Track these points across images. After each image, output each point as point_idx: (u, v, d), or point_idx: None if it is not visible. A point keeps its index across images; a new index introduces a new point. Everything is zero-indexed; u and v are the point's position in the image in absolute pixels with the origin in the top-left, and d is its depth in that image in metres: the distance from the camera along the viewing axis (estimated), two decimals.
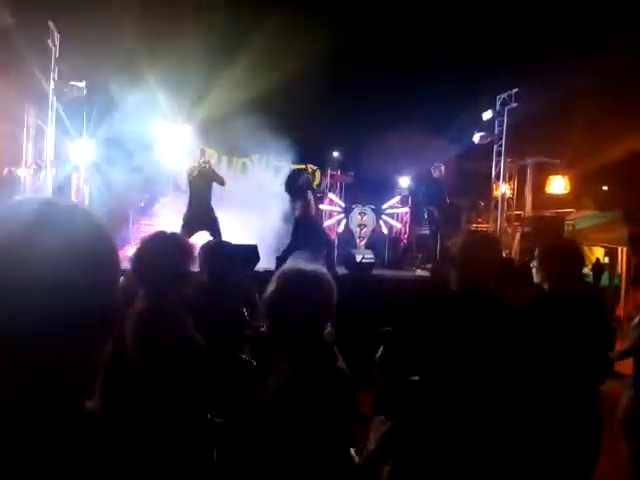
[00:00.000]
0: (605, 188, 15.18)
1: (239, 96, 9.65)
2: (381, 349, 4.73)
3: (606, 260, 11.75)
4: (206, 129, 9.89)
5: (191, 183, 7.32)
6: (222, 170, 10.96)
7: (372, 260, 8.83)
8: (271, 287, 1.52)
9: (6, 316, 0.62)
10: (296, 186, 7.74)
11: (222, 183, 7.39)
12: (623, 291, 9.82)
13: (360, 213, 10.02)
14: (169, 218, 8.36)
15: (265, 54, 9.62)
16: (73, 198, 9.02)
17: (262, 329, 1.87)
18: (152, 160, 9.31)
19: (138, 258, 2.05)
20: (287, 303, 1.48)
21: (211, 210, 7.27)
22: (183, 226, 7.03)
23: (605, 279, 11.19)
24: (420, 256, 9.57)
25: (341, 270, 8.08)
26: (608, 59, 10.26)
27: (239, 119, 9.50)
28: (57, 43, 7.12)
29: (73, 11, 7.54)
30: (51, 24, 6.97)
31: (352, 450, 3.28)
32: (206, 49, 9.54)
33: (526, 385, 2.08)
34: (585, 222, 10.84)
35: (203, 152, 7.45)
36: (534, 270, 2.66)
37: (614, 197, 13.10)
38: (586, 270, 11.16)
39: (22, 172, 7.55)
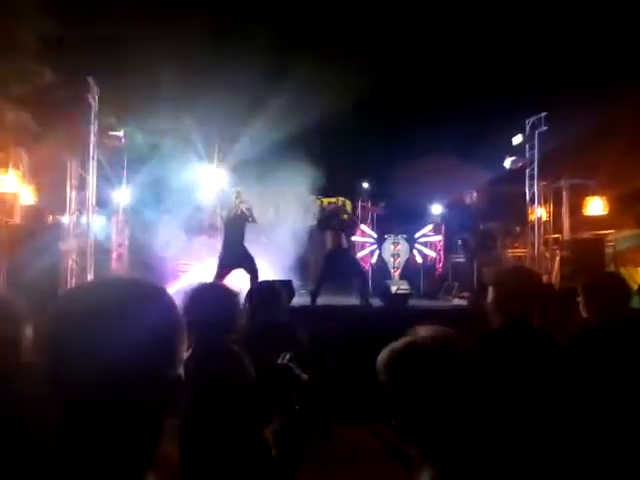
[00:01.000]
0: None
1: (272, 135, 9.90)
2: None
3: None
4: (239, 169, 10.17)
5: (226, 224, 7.53)
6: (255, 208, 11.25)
7: (408, 291, 8.76)
8: None
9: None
10: (325, 218, 7.89)
11: (255, 221, 7.60)
12: None
13: (393, 243, 10.01)
14: (205, 258, 8.57)
15: (296, 91, 9.86)
16: (114, 238, 9.39)
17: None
18: (188, 201, 9.60)
19: (195, 310, 2.13)
20: None
21: (245, 249, 7.41)
22: (219, 266, 7.20)
23: None
24: (456, 285, 9.44)
25: (376, 302, 8.05)
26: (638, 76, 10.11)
27: (271, 158, 9.73)
28: (96, 97, 7.52)
29: (110, 65, 7.99)
30: (90, 80, 7.38)
31: None
32: (239, 90, 9.87)
33: (568, 426, 2.01)
34: (626, 242, 10.47)
35: (239, 194, 7.65)
36: (580, 306, 2.63)
37: None
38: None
39: (66, 219, 7.91)
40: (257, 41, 9.55)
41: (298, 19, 10.29)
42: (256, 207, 10.92)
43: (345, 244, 7.74)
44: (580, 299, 2.64)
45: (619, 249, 10.10)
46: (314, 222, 8.21)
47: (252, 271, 7.17)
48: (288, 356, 1.98)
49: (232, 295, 2.32)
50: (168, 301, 0.78)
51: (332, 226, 7.60)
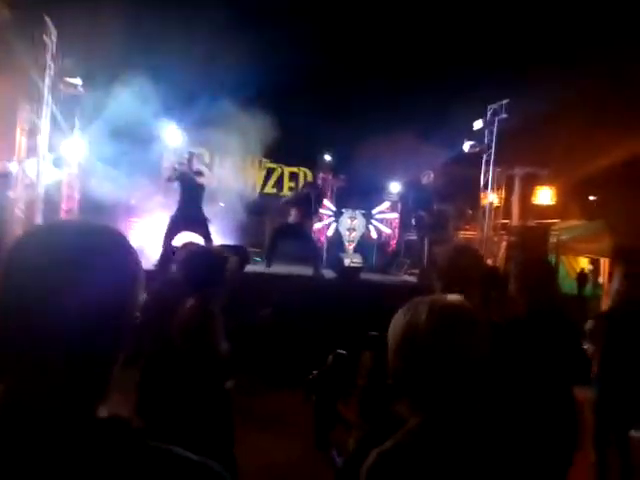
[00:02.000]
0: (591, 198, 15.44)
1: (233, 96, 9.72)
2: (367, 354, 4.83)
3: (591, 267, 11.95)
4: (200, 128, 9.95)
5: (181, 184, 7.38)
6: (214, 169, 11.09)
7: (360, 264, 8.94)
8: None
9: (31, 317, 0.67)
10: (303, 199, 7.96)
11: (209, 184, 7.54)
12: (604, 301, 10.01)
13: (350, 217, 10.13)
14: (159, 217, 8.42)
15: (260, 55, 9.69)
16: (65, 191, 9.06)
17: None
18: (146, 158, 9.34)
19: (190, 269, 2.47)
20: None
21: (201, 212, 7.33)
22: (170, 226, 7.11)
23: (589, 289, 11.39)
24: (408, 261, 9.69)
25: (329, 273, 8.20)
26: (594, 72, 10.49)
27: (233, 119, 9.57)
28: (54, 39, 7.12)
29: (70, 6, 7.57)
30: (47, 19, 6.97)
31: (335, 451, 3.38)
32: (202, 48, 9.60)
33: (507, 394, 2.17)
34: (570, 232, 11.01)
35: (192, 156, 7.47)
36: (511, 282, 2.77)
37: (600, 208, 13.34)
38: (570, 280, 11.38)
39: (14, 167, 7.55)
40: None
41: None
42: (214, 170, 10.84)
43: (306, 223, 7.98)
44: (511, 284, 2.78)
45: (562, 238, 10.62)
46: (289, 195, 8.34)
47: (205, 235, 7.13)
48: None
49: (225, 262, 2.53)
50: (127, 247, 0.79)
51: (304, 206, 7.75)
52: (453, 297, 1.21)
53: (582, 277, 11.32)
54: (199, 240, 7.22)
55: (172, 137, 9.77)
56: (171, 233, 7.03)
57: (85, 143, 9.13)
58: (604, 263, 10.62)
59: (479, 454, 1.07)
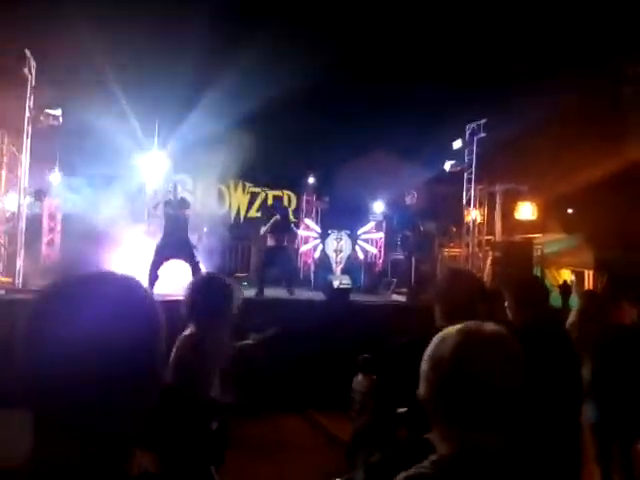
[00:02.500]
0: (570, 211, 15.75)
1: (215, 121, 9.76)
2: (360, 377, 4.78)
3: (573, 278, 12.12)
4: (182, 154, 9.94)
5: (166, 212, 7.37)
6: (197, 196, 11.06)
7: (349, 285, 8.93)
8: None
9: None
10: (268, 215, 8.09)
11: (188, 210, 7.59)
12: None
13: (336, 238, 10.15)
14: (143, 245, 8.33)
15: (239, 82, 9.79)
16: (46, 223, 8.92)
17: None
18: (129, 186, 9.28)
19: (197, 301, 2.42)
20: None
21: (186, 239, 7.32)
22: (157, 254, 7.07)
23: (573, 300, 11.52)
24: (395, 281, 9.72)
25: (319, 296, 8.18)
26: (569, 90, 10.80)
27: (215, 144, 9.60)
28: (33, 72, 7.10)
29: (50, 40, 7.57)
30: (28, 52, 6.96)
31: None
32: (180, 77, 9.67)
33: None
34: (553, 246, 11.20)
35: (176, 188, 7.48)
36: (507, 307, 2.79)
37: (579, 221, 13.61)
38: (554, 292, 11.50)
39: None
40: (199, 25, 9.39)
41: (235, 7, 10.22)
42: (198, 196, 10.81)
43: (285, 242, 8.13)
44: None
45: (546, 252, 10.78)
46: (263, 218, 8.39)
47: (192, 261, 7.10)
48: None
49: (229, 286, 2.54)
50: (149, 299, 0.77)
51: (279, 226, 7.82)
52: (490, 325, 1.17)
53: (565, 289, 11.45)
54: (186, 268, 7.20)
55: (155, 164, 9.72)
56: (157, 261, 6.99)
57: (65, 175, 9.05)
58: (587, 275, 10.78)
59: None
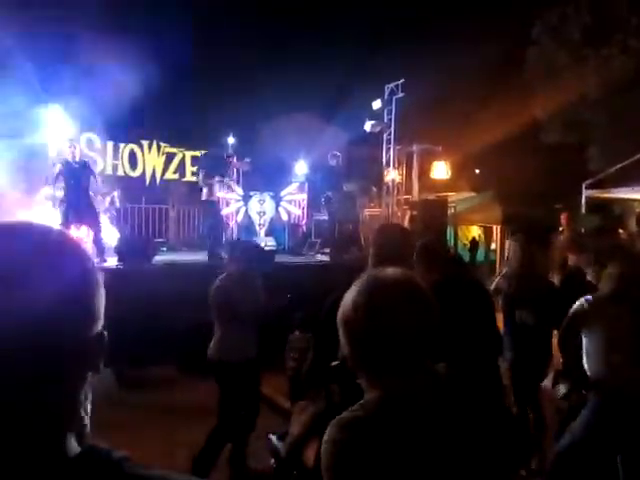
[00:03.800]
0: (477, 171, 16.68)
1: (127, 77, 9.10)
2: (297, 333, 4.90)
3: (481, 236, 12.98)
4: (90, 112, 9.21)
5: (65, 175, 6.92)
6: (108, 157, 10.38)
7: (274, 247, 8.93)
8: None
9: None
10: (203, 171, 7.83)
11: (95, 177, 7.22)
12: (498, 265, 10.96)
13: (259, 200, 10.02)
14: (48, 210, 7.77)
15: (158, 33, 9.19)
16: None
17: None
18: (31, 147, 8.52)
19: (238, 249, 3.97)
20: None
21: (90, 202, 7.10)
22: (64, 218, 6.74)
23: (480, 255, 12.37)
24: (319, 241, 9.84)
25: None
26: (481, 54, 11.24)
27: (127, 101, 8.98)
28: None
29: None
30: None
31: (273, 436, 3.39)
32: (91, 24, 8.90)
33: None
34: (464, 204, 11.85)
35: (74, 147, 6.98)
36: None
37: (486, 180, 14.48)
38: (464, 247, 12.27)
39: None
40: None
41: None
42: (107, 157, 10.15)
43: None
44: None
45: (458, 209, 11.39)
46: (200, 172, 8.11)
47: (95, 226, 7.00)
48: None
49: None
50: (80, 251, 0.67)
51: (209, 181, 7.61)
52: (393, 270, 1.19)
53: (473, 245, 12.24)
54: (89, 232, 6.91)
55: (59, 123, 8.94)
56: (61, 226, 6.59)
57: None
58: (496, 230, 11.58)
59: (439, 422, 1.09)
